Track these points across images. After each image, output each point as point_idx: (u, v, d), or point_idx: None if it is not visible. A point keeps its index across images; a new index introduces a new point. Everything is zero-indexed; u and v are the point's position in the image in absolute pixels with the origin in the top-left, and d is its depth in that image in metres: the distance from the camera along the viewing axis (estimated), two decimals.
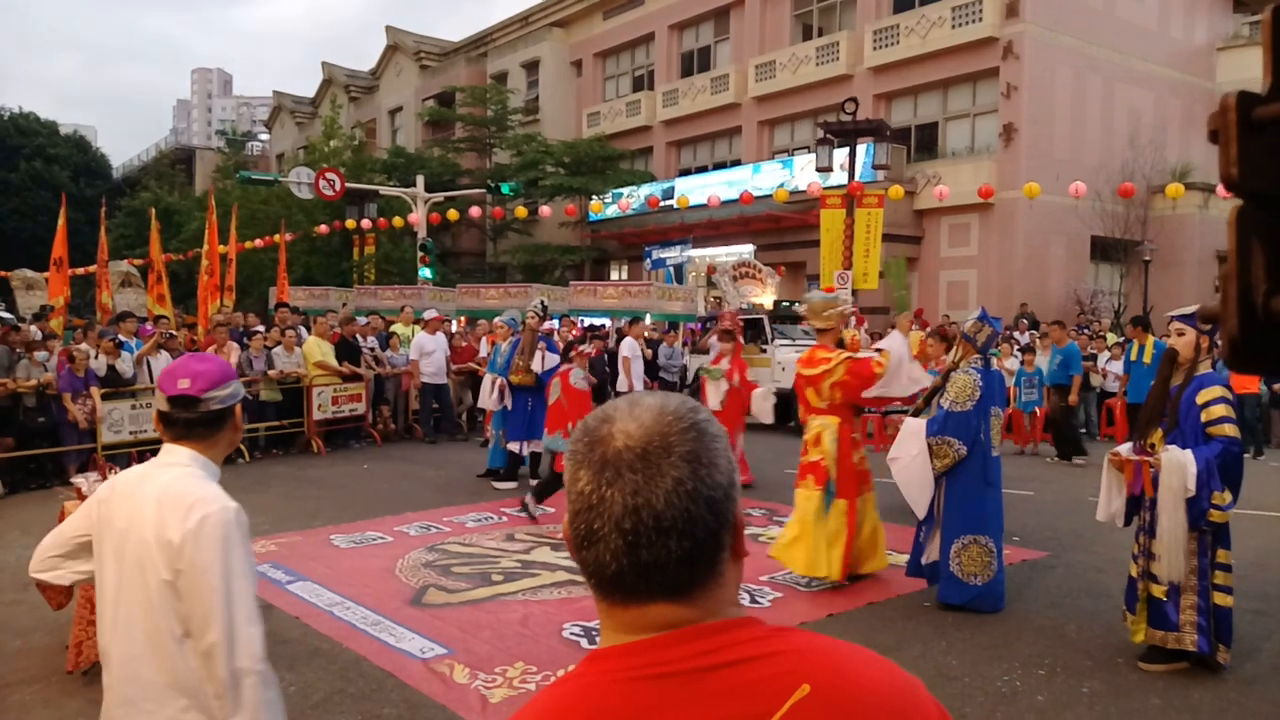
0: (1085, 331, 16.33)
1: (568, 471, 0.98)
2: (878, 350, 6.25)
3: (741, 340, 10.81)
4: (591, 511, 0.94)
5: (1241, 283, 0.70)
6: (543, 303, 10.02)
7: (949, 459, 5.63)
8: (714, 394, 9.76)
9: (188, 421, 2.08)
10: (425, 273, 22.85)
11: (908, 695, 0.96)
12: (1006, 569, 6.55)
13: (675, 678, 0.91)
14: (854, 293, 18.38)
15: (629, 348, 13.66)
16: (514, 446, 9.82)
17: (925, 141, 24.56)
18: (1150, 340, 11.21)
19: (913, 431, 5.80)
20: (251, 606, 1.92)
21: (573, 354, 8.96)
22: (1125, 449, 4.94)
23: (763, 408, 9.45)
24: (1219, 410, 4.61)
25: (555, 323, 16.53)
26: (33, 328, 12.27)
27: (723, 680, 0.91)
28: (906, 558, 6.86)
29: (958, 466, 5.63)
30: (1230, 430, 4.57)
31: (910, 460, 5.78)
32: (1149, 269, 21.46)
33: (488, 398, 10.15)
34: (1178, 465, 4.55)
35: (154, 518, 1.92)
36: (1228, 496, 4.53)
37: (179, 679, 1.92)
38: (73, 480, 5.73)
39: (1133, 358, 11.58)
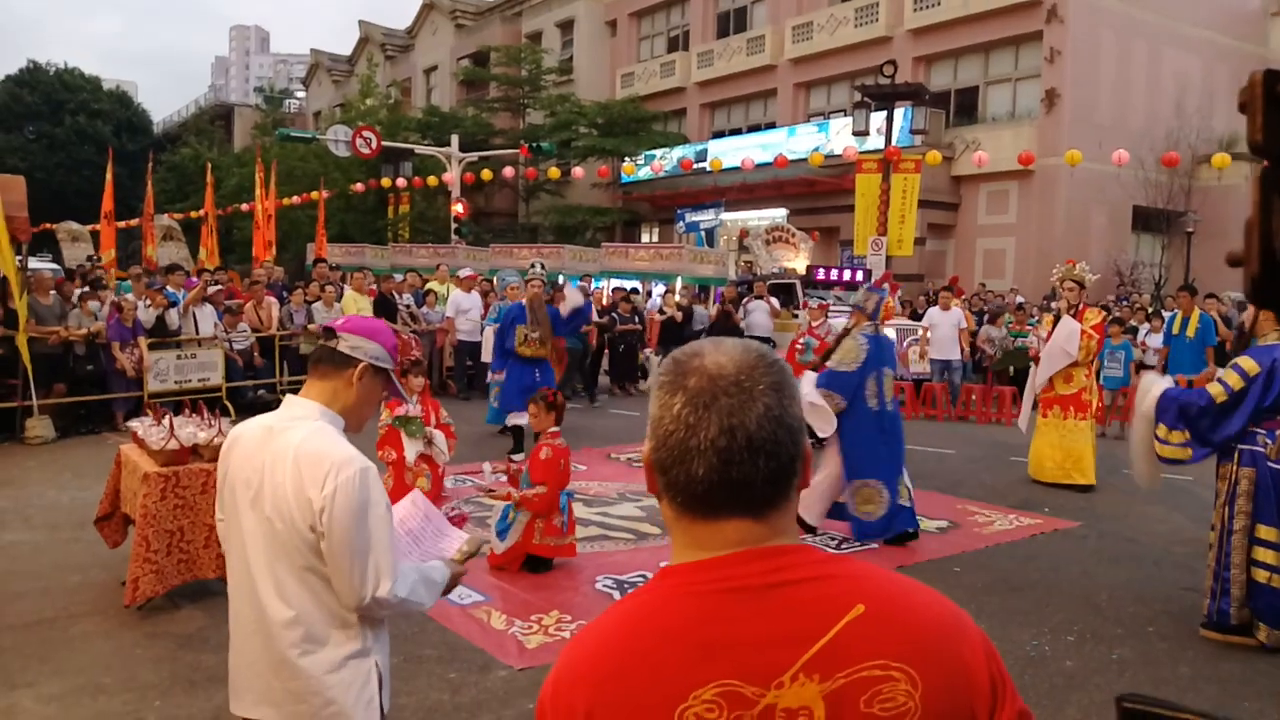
0: (1125, 303, 16.12)
1: (658, 399, 1.07)
2: None
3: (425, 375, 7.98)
4: (688, 431, 1.02)
5: (1264, 231, 0.85)
6: (541, 264, 9.73)
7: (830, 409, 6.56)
8: (411, 450, 7.04)
9: (318, 352, 2.21)
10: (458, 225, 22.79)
11: (955, 622, 1.05)
12: (1039, 538, 6.80)
13: (744, 592, 1.01)
14: (888, 259, 18.26)
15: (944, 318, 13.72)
16: (518, 420, 8.89)
17: (965, 106, 24.16)
18: (1196, 313, 10.81)
19: (808, 381, 6.64)
20: (387, 561, 2.06)
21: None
22: None
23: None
24: (1225, 373, 4.79)
25: (596, 284, 16.54)
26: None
27: (786, 596, 1.01)
28: (939, 524, 7.05)
29: (847, 420, 6.47)
30: (1213, 388, 4.76)
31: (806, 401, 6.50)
32: (1192, 240, 21.06)
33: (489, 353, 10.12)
34: (1143, 389, 5.07)
35: (293, 474, 2.03)
36: (1180, 437, 4.79)
37: (310, 616, 2.08)
38: (129, 424, 5.97)
39: (1174, 330, 10.95)
